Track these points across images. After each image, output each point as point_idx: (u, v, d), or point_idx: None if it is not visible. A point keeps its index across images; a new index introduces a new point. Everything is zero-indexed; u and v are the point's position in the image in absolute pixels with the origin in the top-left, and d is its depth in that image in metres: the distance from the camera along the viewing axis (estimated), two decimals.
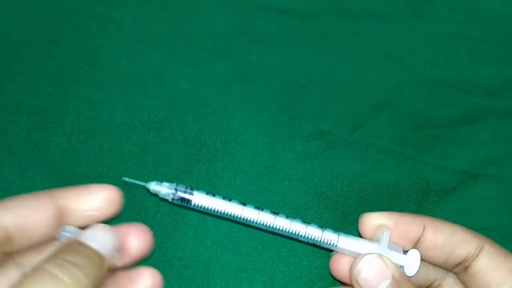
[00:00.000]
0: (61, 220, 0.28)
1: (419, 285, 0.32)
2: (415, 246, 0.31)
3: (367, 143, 0.39)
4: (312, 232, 0.31)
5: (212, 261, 0.35)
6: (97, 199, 0.29)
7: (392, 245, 0.30)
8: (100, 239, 0.27)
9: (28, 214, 0.27)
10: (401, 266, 0.30)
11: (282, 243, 0.35)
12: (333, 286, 0.35)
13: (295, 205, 0.37)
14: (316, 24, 0.44)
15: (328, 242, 0.31)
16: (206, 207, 0.31)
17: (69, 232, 0.28)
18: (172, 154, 0.37)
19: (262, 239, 0.35)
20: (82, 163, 0.37)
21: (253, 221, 0.31)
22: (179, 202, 0.31)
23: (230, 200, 0.31)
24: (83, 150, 0.37)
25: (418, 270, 0.30)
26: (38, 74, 0.39)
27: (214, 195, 0.31)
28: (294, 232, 0.31)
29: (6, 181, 0.35)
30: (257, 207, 0.31)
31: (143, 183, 0.31)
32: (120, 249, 0.29)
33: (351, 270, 0.30)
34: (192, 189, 0.31)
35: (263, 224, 0.31)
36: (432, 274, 0.32)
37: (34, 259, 0.26)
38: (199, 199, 0.30)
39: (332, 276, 0.33)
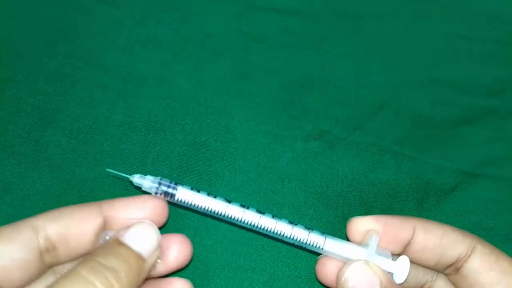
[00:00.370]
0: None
1: None
2: (406, 249, 0.30)
3: (367, 143, 0.39)
4: (298, 233, 0.30)
5: (212, 261, 0.35)
6: (145, 210, 0.28)
7: (380, 251, 0.29)
8: (142, 239, 0.26)
9: (72, 225, 0.27)
10: (390, 273, 0.29)
11: (282, 243, 0.35)
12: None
13: (295, 205, 0.37)
14: (316, 24, 0.44)
15: (314, 245, 0.30)
16: (190, 202, 0.30)
17: (110, 236, 0.27)
18: (172, 154, 0.37)
19: (262, 239, 0.35)
20: (82, 163, 0.36)
21: (237, 220, 0.30)
22: (163, 196, 0.30)
23: (215, 196, 0.30)
24: (83, 150, 0.37)
25: (407, 277, 0.29)
26: (38, 74, 0.39)
27: (198, 191, 0.30)
28: (279, 232, 0.30)
29: (6, 181, 0.35)
30: (243, 205, 0.30)
31: (126, 176, 0.30)
32: (162, 255, 0.28)
33: (338, 278, 0.29)
34: (176, 183, 0.30)
35: (248, 223, 0.30)
36: (422, 276, 0.31)
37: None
38: (183, 194, 0.30)
39: (318, 281, 0.32)
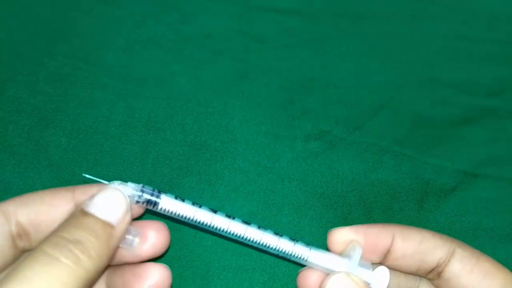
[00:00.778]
0: None
1: None
2: (386, 257, 0.30)
3: (367, 143, 0.39)
4: (283, 245, 0.29)
5: (212, 261, 0.35)
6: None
7: (361, 262, 0.29)
8: (108, 206, 0.24)
9: (43, 211, 0.26)
10: (369, 284, 0.29)
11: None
12: None
13: (295, 205, 0.37)
14: (316, 24, 0.44)
15: (299, 256, 0.30)
16: (174, 212, 0.28)
17: (133, 235, 0.26)
18: (172, 154, 0.37)
19: None
20: (82, 163, 0.37)
21: (223, 231, 0.29)
22: (145, 205, 0.28)
23: (200, 206, 0.29)
24: (83, 150, 0.37)
25: (388, 286, 0.29)
26: (38, 74, 0.39)
27: (183, 200, 0.29)
28: (265, 244, 0.29)
29: (6, 181, 0.35)
30: (228, 216, 0.29)
31: (105, 182, 0.27)
32: (138, 235, 0.27)
33: None
34: (160, 191, 0.28)
35: (233, 234, 0.29)
36: (405, 283, 0.31)
37: None
38: (167, 203, 0.28)
39: None
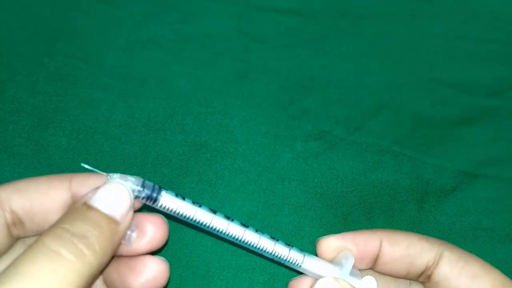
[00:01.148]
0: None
1: None
2: (375, 262, 0.30)
3: (367, 143, 0.39)
4: (279, 249, 0.29)
5: (212, 261, 0.35)
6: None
7: (351, 270, 0.29)
8: (113, 200, 0.23)
9: (38, 200, 0.25)
10: None
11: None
12: None
13: (295, 205, 0.37)
14: (316, 24, 0.44)
15: (293, 262, 0.30)
16: (174, 210, 0.27)
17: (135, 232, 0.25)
18: (172, 154, 0.37)
19: None
20: (82, 163, 0.36)
21: (221, 232, 0.29)
22: (144, 201, 0.27)
23: (200, 205, 0.28)
24: (83, 150, 0.37)
25: None
26: (38, 74, 0.39)
27: (184, 198, 0.28)
28: (261, 248, 0.29)
29: (6, 181, 0.35)
30: (227, 217, 0.29)
31: (103, 173, 0.26)
32: (136, 230, 0.26)
33: None
34: (160, 187, 0.27)
35: (231, 236, 0.29)
36: (395, 287, 0.32)
37: None
38: (168, 200, 0.27)
39: None
